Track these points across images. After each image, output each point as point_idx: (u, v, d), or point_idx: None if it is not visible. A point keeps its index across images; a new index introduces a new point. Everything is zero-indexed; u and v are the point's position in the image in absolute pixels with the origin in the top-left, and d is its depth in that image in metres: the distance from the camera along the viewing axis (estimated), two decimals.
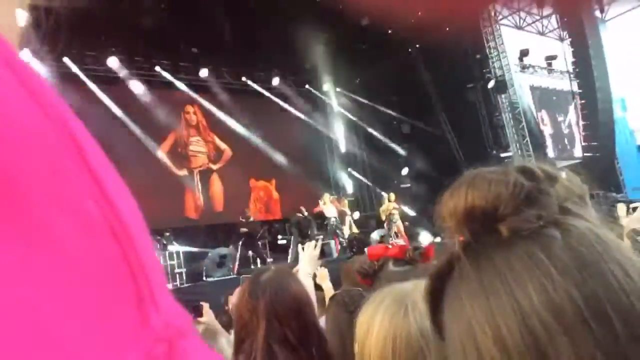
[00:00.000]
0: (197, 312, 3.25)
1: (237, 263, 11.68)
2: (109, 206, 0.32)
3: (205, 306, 3.09)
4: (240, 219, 12.65)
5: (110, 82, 14.24)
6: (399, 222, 13.99)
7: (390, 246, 1.90)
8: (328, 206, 13.61)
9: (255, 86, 16.86)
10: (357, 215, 17.40)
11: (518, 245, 0.54)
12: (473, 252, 0.57)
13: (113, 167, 0.38)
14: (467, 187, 0.59)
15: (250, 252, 12.44)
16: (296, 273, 2.72)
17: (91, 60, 14.10)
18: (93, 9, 11.93)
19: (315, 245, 2.68)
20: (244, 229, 12.18)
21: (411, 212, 16.77)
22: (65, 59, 13.52)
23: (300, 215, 12.96)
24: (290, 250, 12.22)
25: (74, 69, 13.70)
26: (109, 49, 13.99)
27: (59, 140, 0.32)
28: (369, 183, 18.97)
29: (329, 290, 3.08)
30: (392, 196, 14.51)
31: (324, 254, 2.65)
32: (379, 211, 14.80)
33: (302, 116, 18.32)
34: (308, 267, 2.67)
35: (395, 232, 13.76)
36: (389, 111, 18.55)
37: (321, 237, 14.46)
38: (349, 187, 18.98)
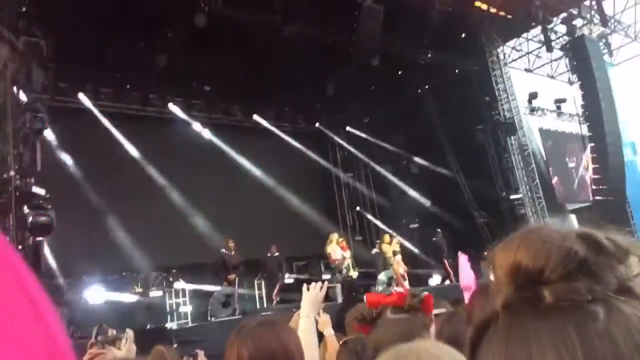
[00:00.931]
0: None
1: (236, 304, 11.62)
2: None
3: (200, 354, 3.03)
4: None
5: (124, 117, 14.39)
6: (397, 257, 13.83)
7: (390, 293, 1.87)
8: (334, 247, 13.51)
9: (266, 124, 16.97)
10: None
11: (554, 316, 0.50)
12: (510, 313, 0.54)
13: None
14: (520, 241, 0.56)
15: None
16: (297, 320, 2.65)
17: (105, 97, 14.31)
18: (109, 46, 12.21)
19: (321, 287, 2.58)
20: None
21: (419, 254, 16.61)
22: (81, 95, 13.72)
23: (270, 255, 12.84)
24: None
25: (88, 104, 13.89)
26: (124, 86, 14.21)
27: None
28: (377, 222, 18.86)
29: (330, 338, 2.98)
30: (387, 238, 14.37)
31: (328, 297, 2.54)
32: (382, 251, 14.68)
33: (312, 154, 18.39)
34: (309, 310, 2.55)
35: (390, 277, 13.61)
36: (398, 151, 18.61)
37: (327, 278, 14.40)
38: (357, 226, 18.88)
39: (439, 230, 14.55)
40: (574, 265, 0.52)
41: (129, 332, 2.94)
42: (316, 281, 2.70)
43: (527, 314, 0.52)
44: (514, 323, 0.53)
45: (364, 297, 1.93)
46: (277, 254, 13.22)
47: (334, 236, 13.74)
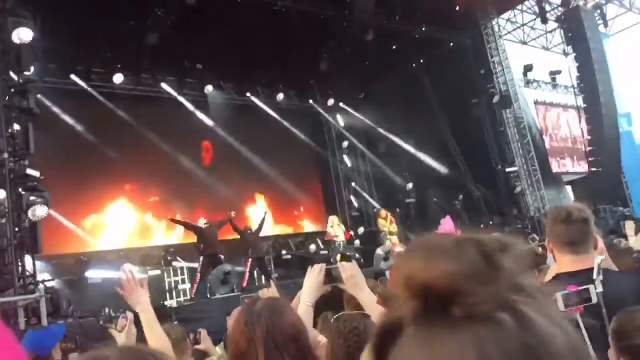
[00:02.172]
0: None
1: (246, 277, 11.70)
2: None
3: (203, 332, 3.04)
4: (244, 230, 12.50)
5: (115, 98, 14.27)
6: (393, 238, 13.93)
7: None
8: (335, 228, 13.63)
9: (258, 102, 16.85)
10: (361, 230, 17.38)
11: (468, 330, 0.52)
12: (423, 326, 0.55)
13: None
14: (424, 259, 0.57)
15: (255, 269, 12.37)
16: (297, 303, 2.64)
17: (97, 77, 14.17)
18: (99, 26, 12.06)
19: (320, 270, 2.54)
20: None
21: (416, 229, 16.69)
22: (72, 76, 13.60)
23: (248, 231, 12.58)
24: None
25: (83, 85, 13.77)
26: (115, 66, 14.05)
27: None
28: (373, 199, 18.91)
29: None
30: (383, 212, 14.43)
31: (333, 278, 2.46)
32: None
33: (305, 131, 18.35)
34: (309, 296, 2.51)
35: (387, 251, 13.70)
36: (393, 126, 18.55)
37: (324, 254, 14.50)
38: (354, 202, 18.92)
39: (461, 196, 14.54)
40: (478, 280, 0.54)
41: (129, 315, 2.94)
42: (313, 260, 2.68)
43: (440, 329, 0.53)
44: (429, 337, 0.54)
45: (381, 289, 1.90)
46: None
47: (334, 219, 13.94)
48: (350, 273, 2.47)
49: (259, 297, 2.60)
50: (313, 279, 2.51)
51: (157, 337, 2.54)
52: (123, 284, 2.66)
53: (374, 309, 2.30)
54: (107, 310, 9.35)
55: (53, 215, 10.57)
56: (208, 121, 15.93)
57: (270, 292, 2.95)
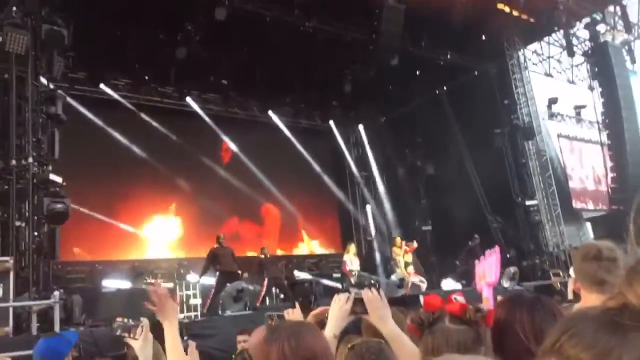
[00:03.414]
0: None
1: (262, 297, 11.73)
2: None
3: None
4: (259, 255, 12.60)
5: (141, 109, 14.46)
6: (409, 268, 13.71)
7: (448, 298, 1.82)
8: (351, 257, 13.50)
9: (278, 121, 16.89)
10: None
11: None
12: None
13: None
14: None
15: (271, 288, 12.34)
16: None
17: (123, 87, 14.38)
18: (129, 38, 12.27)
19: (347, 299, 2.45)
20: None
21: (432, 257, 16.55)
22: (102, 85, 13.82)
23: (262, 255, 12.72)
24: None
25: (112, 94, 14.00)
26: (143, 77, 14.26)
27: None
28: (390, 224, 18.78)
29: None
30: (398, 241, 14.24)
31: (356, 310, 2.37)
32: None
33: (325, 153, 18.38)
34: (335, 328, 2.38)
35: (401, 278, 13.53)
36: (413, 151, 18.52)
37: (355, 290, 14.30)
38: (371, 227, 18.81)
39: (476, 236, 14.30)
40: None
41: (145, 321, 2.91)
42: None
43: None
44: None
45: (421, 300, 1.87)
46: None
47: (352, 247, 13.77)
48: (376, 305, 2.40)
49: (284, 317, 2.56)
50: (339, 308, 2.44)
51: (177, 354, 2.51)
52: (154, 296, 2.59)
53: (399, 343, 2.23)
54: (122, 319, 9.34)
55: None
56: (225, 137, 16.05)
57: (295, 313, 2.89)
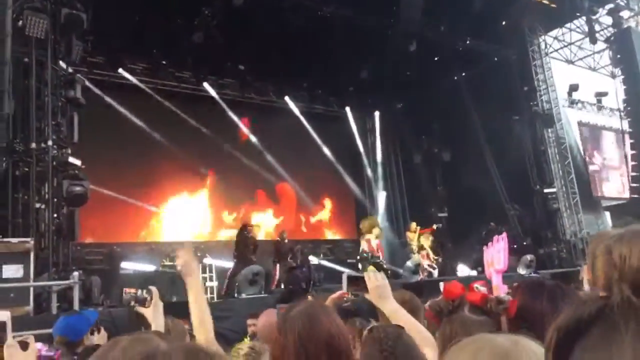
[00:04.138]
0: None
1: (276, 280, 11.92)
2: None
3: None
4: (278, 239, 12.73)
5: (159, 94, 14.55)
6: (424, 252, 13.72)
7: (470, 287, 1.80)
8: (372, 237, 13.48)
9: (294, 107, 16.88)
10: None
11: None
12: (633, 310, 0.51)
13: None
14: None
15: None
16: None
17: (140, 72, 14.47)
18: (146, 22, 12.30)
19: (375, 275, 2.46)
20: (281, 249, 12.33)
21: (448, 243, 16.49)
22: (121, 70, 13.91)
23: (279, 239, 12.86)
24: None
25: (132, 79, 14.10)
26: (160, 62, 14.33)
27: None
28: (405, 210, 18.76)
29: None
30: (413, 226, 14.24)
31: (363, 287, 2.44)
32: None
33: (341, 138, 18.35)
34: (386, 303, 2.40)
35: (417, 264, 13.55)
36: (431, 137, 18.40)
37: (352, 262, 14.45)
38: (386, 212, 18.77)
39: (492, 224, 14.23)
40: None
41: (154, 289, 2.96)
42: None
43: None
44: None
45: (440, 287, 1.85)
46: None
47: (375, 230, 13.67)
48: (376, 283, 2.42)
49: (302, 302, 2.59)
50: (373, 287, 2.44)
51: (201, 308, 2.49)
52: (178, 252, 2.59)
53: (399, 321, 2.26)
54: (131, 292, 9.48)
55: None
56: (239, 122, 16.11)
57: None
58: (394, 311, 2.35)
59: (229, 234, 14.70)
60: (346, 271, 2.66)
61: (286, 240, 12.56)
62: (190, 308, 2.49)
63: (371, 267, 11.01)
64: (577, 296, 1.80)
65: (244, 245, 11.63)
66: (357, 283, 2.56)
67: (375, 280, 2.41)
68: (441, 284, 2.01)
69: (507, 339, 0.98)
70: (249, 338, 5.12)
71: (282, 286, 11.47)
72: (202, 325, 2.45)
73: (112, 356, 0.93)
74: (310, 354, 1.79)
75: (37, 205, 8.98)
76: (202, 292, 2.61)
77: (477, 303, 1.71)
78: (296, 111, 16.83)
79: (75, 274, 8.30)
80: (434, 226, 14.58)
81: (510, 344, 0.96)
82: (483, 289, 1.75)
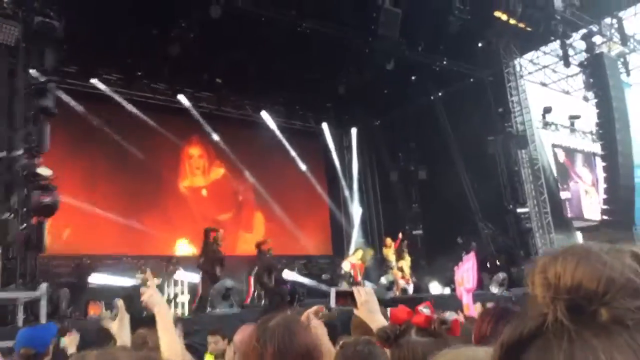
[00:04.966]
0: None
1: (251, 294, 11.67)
2: None
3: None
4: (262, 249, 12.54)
5: (132, 104, 14.41)
6: (397, 270, 13.80)
7: (416, 311, 1.80)
8: (353, 260, 13.60)
9: (271, 122, 16.82)
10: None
11: (620, 335, 0.52)
12: (565, 329, 0.54)
13: None
14: (579, 260, 0.56)
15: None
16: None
17: (115, 82, 14.32)
18: (122, 33, 12.20)
19: (366, 291, 2.49)
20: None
21: (422, 261, 16.55)
22: (94, 80, 13.74)
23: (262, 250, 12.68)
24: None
25: (103, 88, 13.92)
26: (135, 73, 14.21)
27: None
28: (381, 226, 18.80)
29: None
30: (388, 241, 14.34)
31: (352, 302, 2.50)
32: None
33: (317, 154, 18.38)
34: (374, 321, 2.46)
35: (391, 281, 13.63)
36: (406, 155, 18.55)
37: (327, 278, 14.42)
38: (361, 229, 18.78)
39: (474, 243, 14.33)
40: (632, 290, 0.54)
41: (119, 302, 2.92)
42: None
43: (588, 332, 0.53)
44: (576, 342, 0.53)
45: (387, 312, 1.85)
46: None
47: (358, 252, 13.95)
48: (365, 298, 2.43)
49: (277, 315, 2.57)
50: (361, 303, 2.45)
51: (170, 340, 2.53)
52: (144, 289, 2.65)
53: None
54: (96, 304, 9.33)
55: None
56: (215, 136, 15.99)
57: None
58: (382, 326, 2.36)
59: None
60: (333, 288, 2.64)
61: (269, 255, 12.28)
62: (159, 336, 2.52)
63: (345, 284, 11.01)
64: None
65: (213, 259, 11.38)
66: (346, 298, 2.56)
67: (365, 295, 2.42)
68: (389, 310, 2.02)
69: (482, 351, 1.02)
70: (211, 356, 5.03)
71: (258, 301, 11.36)
72: (171, 346, 2.48)
73: None
74: None
75: (5, 215, 8.76)
76: (170, 322, 2.66)
77: (422, 325, 1.72)
78: (273, 126, 16.80)
79: (43, 285, 8.12)
80: (400, 235, 14.71)
81: (482, 355, 0.98)
82: (427, 311, 1.75)
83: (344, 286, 12.92)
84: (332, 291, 2.61)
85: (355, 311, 2.47)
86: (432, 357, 1.14)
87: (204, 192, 16.27)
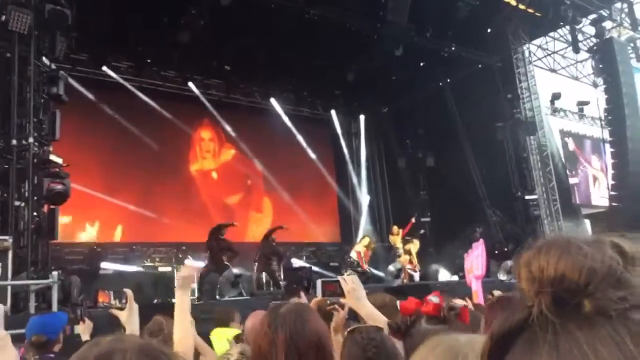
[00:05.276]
0: None
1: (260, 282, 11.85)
2: None
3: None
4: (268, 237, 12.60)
5: (143, 92, 14.45)
6: (406, 256, 13.82)
7: (424, 300, 1.83)
8: (360, 248, 13.67)
9: (280, 108, 16.86)
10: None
11: (603, 326, 0.52)
12: (549, 322, 0.55)
13: None
14: (561, 253, 0.57)
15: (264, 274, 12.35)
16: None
17: (125, 70, 14.36)
18: (132, 20, 12.21)
19: (352, 280, 2.53)
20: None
21: (430, 248, 16.57)
22: (104, 68, 13.79)
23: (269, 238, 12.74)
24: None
25: (115, 76, 13.98)
26: (145, 60, 14.24)
27: None
28: (389, 213, 18.83)
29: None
30: (395, 229, 14.32)
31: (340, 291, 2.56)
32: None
33: (326, 141, 18.38)
34: (364, 307, 2.50)
35: (399, 269, 13.66)
36: (415, 142, 18.52)
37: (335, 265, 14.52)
38: (369, 216, 18.82)
39: (478, 229, 14.32)
40: (614, 280, 0.54)
41: (128, 292, 2.96)
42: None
43: (572, 324, 0.54)
44: (560, 334, 0.54)
45: (397, 304, 1.89)
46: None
47: (365, 239, 13.96)
48: (352, 286, 2.47)
49: (287, 302, 2.62)
50: (347, 292, 2.49)
51: (184, 324, 2.58)
52: (187, 266, 2.74)
53: (376, 322, 2.30)
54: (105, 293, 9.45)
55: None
56: (224, 124, 16.04)
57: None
58: (370, 313, 2.42)
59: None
60: (319, 280, 2.70)
61: (274, 242, 12.37)
62: (175, 321, 2.56)
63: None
64: None
65: (218, 248, 11.45)
66: (333, 287, 2.61)
67: (351, 283, 2.47)
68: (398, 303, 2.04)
69: (465, 337, 1.06)
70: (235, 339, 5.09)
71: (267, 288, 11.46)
72: (184, 338, 2.53)
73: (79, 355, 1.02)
74: (301, 351, 1.82)
75: (17, 203, 8.84)
76: (188, 310, 2.70)
77: (431, 313, 1.76)
78: (281, 113, 16.82)
79: (55, 273, 8.20)
80: (412, 219, 14.70)
81: (465, 340, 1.02)
82: (436, 300, 1.78)
83: (348, 273, 13.04)
84: (318, 282, 2.65)
85: (342, 300, 2.52)
86: (420, 346, 1.19)
87: (214, 174, 16.34)
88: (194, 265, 2.60)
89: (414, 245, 14.01)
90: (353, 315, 3.18)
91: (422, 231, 14.76)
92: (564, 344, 0.53)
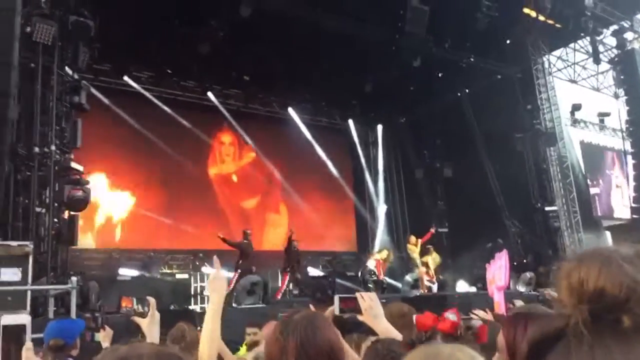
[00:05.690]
0: None
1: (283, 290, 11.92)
2: None
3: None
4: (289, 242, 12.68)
5: (162, 101, 14.63)
6: (423, 268, 13.75)
7: (442, 317, 1.81)
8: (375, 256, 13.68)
9: (297, 118, 16.95)
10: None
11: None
12: (586, 335, 0.56)
13: None
14: (601, 266, 0.59)
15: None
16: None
17: (145, 80, 14.56)
18: (153, 31, 12.40)
19: (370, 297, 2.51)
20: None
21: (447, 259, 16.44)
22: (126, 77, 14.01)
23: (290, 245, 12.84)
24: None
25: (136, 87, 14.20)
26: (165, 70, 14.43)
27: None
28: (406, 223, 18.74)
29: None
30: (413, 239, 14.23)
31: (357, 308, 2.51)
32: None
33: (343, 151, 18.40)
34: (382, 324, 2.44)
35: (416, 279, 13.60)
36: (432, 152, 18.45)
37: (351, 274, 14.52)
38: (386, 225, 18.74)
39: (499, 240, 14.20)
40: None
41: (151, 300, 2.97)
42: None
43: (609, 338, 0.55)
44: (596, 347, 0.55)
45: (414, 316, 1.86)
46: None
47: (384, 252, 14.06)
48: (369, 304, 2.45)
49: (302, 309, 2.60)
50: (365, 308, 2.47)
51: (213, 327, 2.45)
52: (218, 268, 2.60)
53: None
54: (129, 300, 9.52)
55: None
56: (244, 134, 16.17)
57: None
58: (387, 330, 2.39)
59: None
60: (337, 295, 2.65)
61: (295, 248, 12.51)
62: (204, 323, 2.49)
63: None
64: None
65: (246, 255, 11.62)
66: (351, 304, 2.57)
67: (369, 300, 2.44)
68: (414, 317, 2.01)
69: (448, 347, 1.05)
70: (245, 347, 5.11)
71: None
72: (210, 342, 2.44)
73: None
74: (311, 358, 1.80)
75: (38, 209, 8.98)
76: (219, 313, 2.59)
77: (448, 331, 1.72)
78: (299, 123, 16.89)
79: (74, 278, 8.29)
80: (432, 230, 14.62)
81: (447, 351, 1.02)
82: (453, 317, 1.76)
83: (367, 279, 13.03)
84: (336, 298, 2.62)
85: (360, 317, 2.49)
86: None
87: (234, 177, 16.47)
88: (218, 267, 2.47)
89: (433, 259, 13.94)
90: (372, 331, 3.17)
91: (432, 229, 14.70)
92: (600, 356, 0.54)
